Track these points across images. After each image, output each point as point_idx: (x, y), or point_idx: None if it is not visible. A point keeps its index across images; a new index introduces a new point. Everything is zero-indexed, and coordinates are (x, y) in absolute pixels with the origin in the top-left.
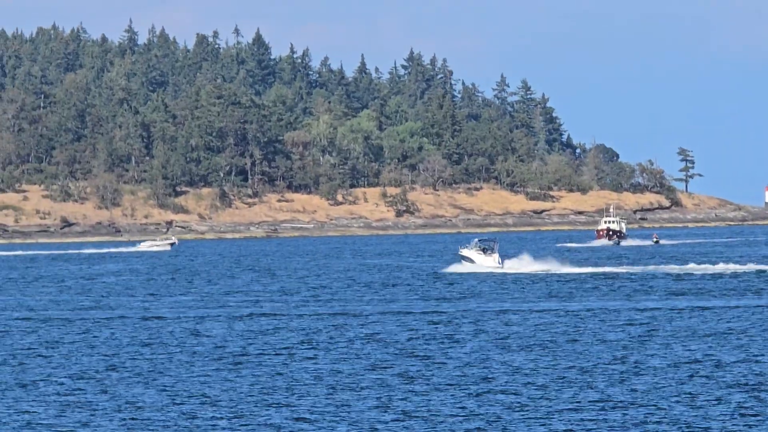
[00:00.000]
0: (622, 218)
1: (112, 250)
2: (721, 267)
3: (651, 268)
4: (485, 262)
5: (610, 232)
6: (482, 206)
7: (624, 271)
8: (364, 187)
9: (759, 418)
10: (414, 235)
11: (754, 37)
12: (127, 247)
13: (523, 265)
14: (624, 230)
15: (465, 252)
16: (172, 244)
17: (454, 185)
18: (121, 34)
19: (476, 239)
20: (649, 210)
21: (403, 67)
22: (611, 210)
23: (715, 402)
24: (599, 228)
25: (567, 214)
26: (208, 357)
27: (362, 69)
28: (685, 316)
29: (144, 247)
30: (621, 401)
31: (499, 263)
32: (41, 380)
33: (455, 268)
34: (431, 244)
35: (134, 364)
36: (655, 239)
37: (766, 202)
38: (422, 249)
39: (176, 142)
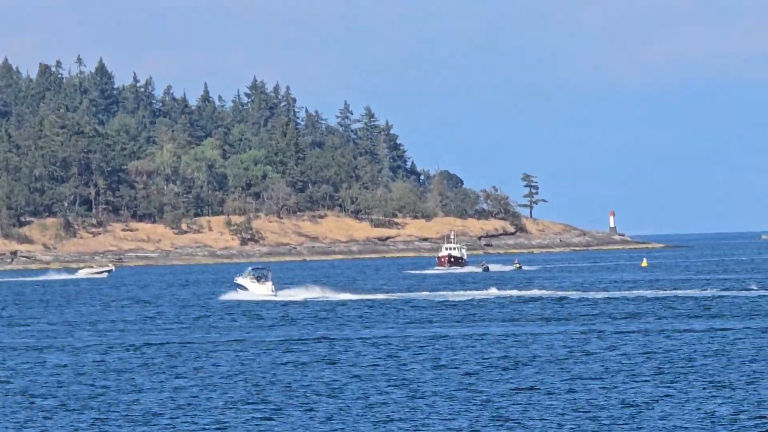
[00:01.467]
0: (462, 245)
1: (52, 277)
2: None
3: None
4: (259, 290)
5: (452, 259)
6: (327, 234)
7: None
8: (209, 215)
9: None
10: (258, 264)
11: (597, 64)
12: (65, 274)
13: (298, 293)
14: (465, 257)
15: (240, 280)
16: (108, 272)
17: (298, 213)
18: None
19: (250, 268)
20: (494, 236)
21: (247, 95)
22: (452, 237)
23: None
24: (440, 255)
25: (412, 240)
26: None
27: (205, 97)
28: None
29: (82, 274)
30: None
31: (272, 291)
32: None
33: (231, 295)
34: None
35: None
36: (516, 265)
37: (611, 227)
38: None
39: (20, 172)
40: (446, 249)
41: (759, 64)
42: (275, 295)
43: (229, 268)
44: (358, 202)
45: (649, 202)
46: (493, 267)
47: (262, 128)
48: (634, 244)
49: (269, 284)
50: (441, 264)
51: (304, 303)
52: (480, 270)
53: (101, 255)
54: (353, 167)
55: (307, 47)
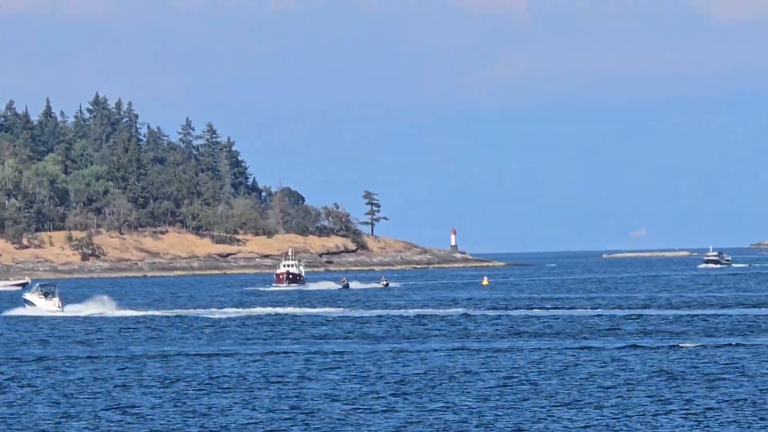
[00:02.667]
0: (301, 262)
1: None
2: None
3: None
4: (45, 306)
5: (290, 276)
6: (168, 249)
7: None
8: (50, 230)
9: None
10: (98, 279)
11: (446, 81)
12: None
13: (86, 308)
14: (303, 274)
15: (27, 296)
16: (23, 285)
17: (140, 229)
18: None
19: (38, 284)
20: (335, 253)
21: (89, 110)
22: (290, 254)
23: None
24: (278, 272)
25: (253, 257)
26: None
27: (47, 112)
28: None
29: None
30: None
31: (59, 306)
32: None
33: (19, 311)
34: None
35: None
36: (384, 282)
37: (452, 245)
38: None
39: None
40: (284, 266)
41: (600, 83)
42: (62, 311)
43: (68, 283)
44: (199, 219)
45: (491, 220)
46: (355, 284)
47: (104, 144)
48: (476, 262)
49: (56, 300)
50: (279, 281)
51: (87, 318)
52: (340, 287)
53: None
54: (195, 183)
55: (149, 64)
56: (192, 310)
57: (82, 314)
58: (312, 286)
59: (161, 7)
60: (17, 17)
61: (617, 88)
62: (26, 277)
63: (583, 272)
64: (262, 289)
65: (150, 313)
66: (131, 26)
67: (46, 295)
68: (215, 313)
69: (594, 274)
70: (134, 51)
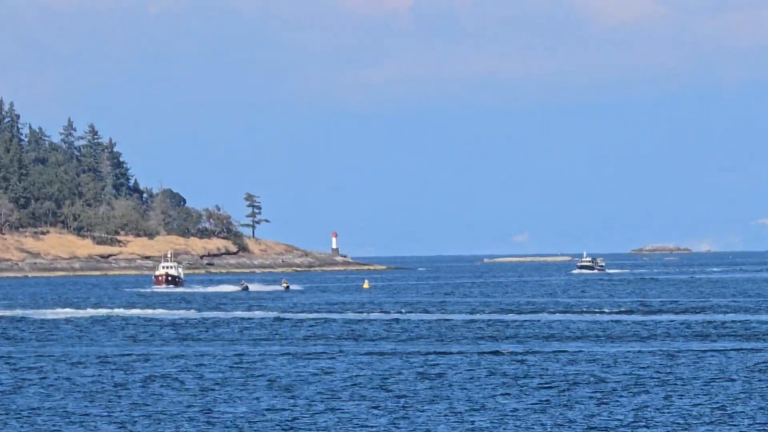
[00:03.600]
0: (180, 264)
1: None
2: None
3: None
4: None
5: (169, 277)
6: (49, 250)
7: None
8: None
9: None
10: None
11: (324, 83)
12: None
13: None
14: (182, 275)
15: None
16: None
17: (21, 229)
18: None
19: None
20: (216, 255)
21: None
22: (169, 255)
23: None
24: (158, 273)
25: (134, 258)
26: None
27: None
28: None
29: None
30: None
31: None
32: None
33: None
34: None
35: None
36: (284, 285)
37: (333, 248)
38: None
39: None
40: (164, 267)
41: (481, 88)
42: None
43: None
44: (80, 219)
45: (371, 224)
46: (257, 287)
47: None
48: (357, 265)
49: None
50: (158, 282)
51: None
52: (239, 289)
53: None
54: (76, 184)
55: (30, 63)
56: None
57: None
58: (211, 289)
59: (42, 6)
60: None
61: (498, 92)
62: None
63: (459, 276)
64: (143, 290)
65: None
66: (13, 24)
67: None
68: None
69: (468, 278)
70: (15, 50)
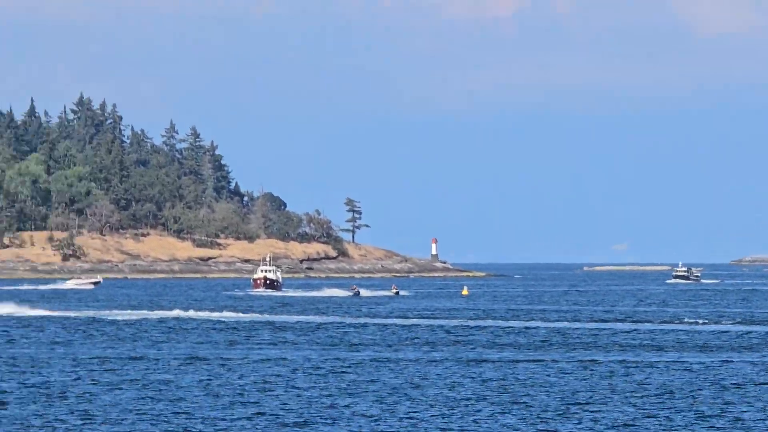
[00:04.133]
0: (279, 268)
1: (42, 287)
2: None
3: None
4: None
5: (267, 281)
6: (149, 252)
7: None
8: (32, 230)
9: None
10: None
11: (426, 90)
12: (54, 284)
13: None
14: (280, 279)
15: None
16: (95, 283)
17: (121, 230)
18: None
19: None
20: (316, 260)
21: (73, 111)
22: (268, 259)
23: None
24: (256, 277)
25: (234, 261)
26: None
27: (32, 112)
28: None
29: (70, 284)
30: None
31: None
32: None
33: None
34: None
35: None
36: (394, 290)
37: (432, 254)
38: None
39: None
40: (262, 271)
41: (584, 95)
42: None
43: (48, 283)
44: (181, 222)
45: (472, 230)
46: (367, 293)
47: (88, 145)
48: (456, 271)
49: None
50: (256, 286)
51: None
52: (350, 294)
53: None
54: (177, 186)
55: (134, 66)
56: (110, 311)
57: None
58: (325, 292)
59: (147, 9)
60: (3, 17)
61: (600, 100)
62: (98, 276)
63: (560, 284)
64: (241, 293)
65: (65, 314)
66: (116, 28)
67: None
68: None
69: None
70: (119, 53)
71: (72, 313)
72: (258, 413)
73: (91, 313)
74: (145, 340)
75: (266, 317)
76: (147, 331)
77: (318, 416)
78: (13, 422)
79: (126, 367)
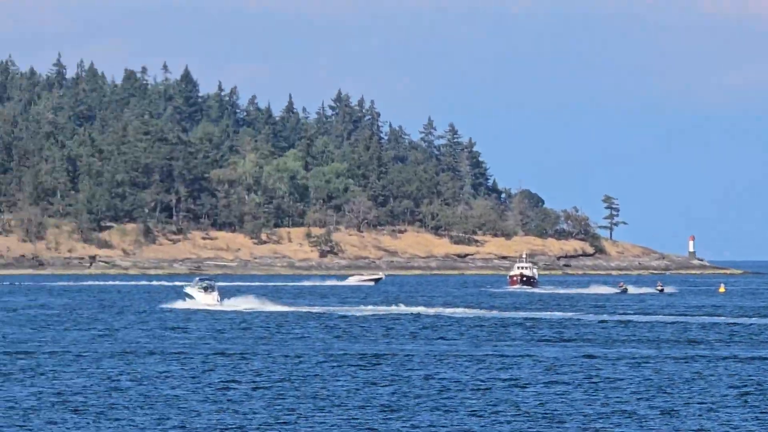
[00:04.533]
0: (535, 264)
1: (325, 283)
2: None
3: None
4: (204, 300)
5: (524, 278)
6: (406, 249)
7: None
8: (289, 226)
9: None
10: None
11: (682, 84)
12: (334, 280)
13: (241, 303)
14: (536, 276)
15: (188, 290)
16: (377, 280)
17: (378, 227)
18: (49, 68)
19: (198, 278)
20: (573, 257)
21: (331, 107)
22: (524, 256)
23: None
24: (512, 274)
25: (491, 258)
26: None
27: (290, 108)
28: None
29: (352, 281)
30: None
31: (217, 300)
32: None
33: (178, 304)
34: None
35: None
36: (659, 287)
37: (690, 252)
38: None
39: (102, 176)
40: (518, 268)
41: None
42: (220, 305)
43: (304, 279)
44: (438, 218)
45: (730, 228)
46: (633, 290)
47: (345, 141)
48: (713, 269)
49: (215, 294)
50: (513, 283)
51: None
52: (618, 291)
53: (180, 262)
54: (435, 183)
55: (392, 61)
56: (339, 307)
57: (239, 308)
58: (591, 290)
59: (404, 5)
60: (261, 15)
61: None
62: (380, 273)
63: None
64: (494, 290)
65: (299, 309)
66: (373, 24)
67: (206, 289)
68: (355, 311)
69: None
70: (376, 49)
71: (316, 309)
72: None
73: (369, 309)
74: (400, 336)
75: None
76: (394, 327)
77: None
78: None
79: (379, 364)
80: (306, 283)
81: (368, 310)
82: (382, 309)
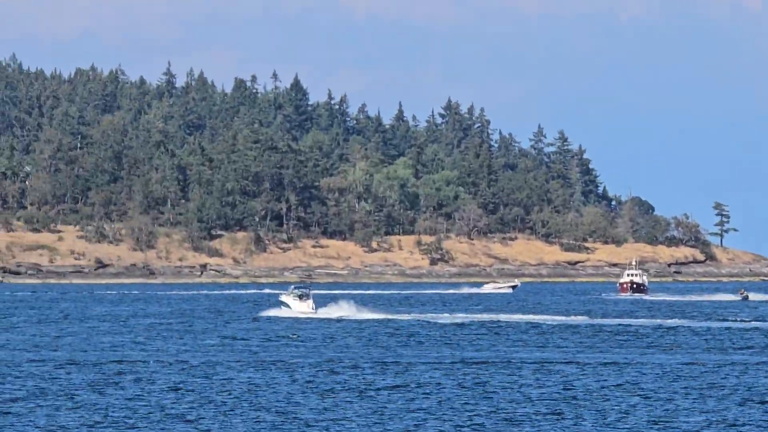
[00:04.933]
0: (646, 271)
1: (462, 291)
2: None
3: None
4: (300, 308)
5: (634, 285)
6: (517, 256)
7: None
8: (399, 234)
9: None
10: (444, 284)
11: None
12: (474, 288)
13: (335, 311)
14: (646, 283)
15: (283, 298)
16: (513, 287)
17: (489, 235)
18: (159, 77)
19: (293, 286)
20: (683, 264)
21: (441, 115)
22: (634, 263)
23: None
24: (622, 281)
25: (601, 265)
26: None
27: (399, 116)
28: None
29: (488, 288)
30: None
31: (312, 309)
32: None
33: (273, 312)
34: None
35: None
36: (742, 294)
37: None
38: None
39: (212, 185)
40: (628, 275)
41: None
42: (315, 313)
43: (416, 287)
44: (548, 226)
45: None
46: (716, 297)
47: (455, 149)
48: None
49: (310, 302)
50: (623, 290)
51: (339, 320)
52: (739, 298)
53: (290, 271)
54: (545, 191)
55: (502, 69)
56: (427, 314)
57: (332, 316)
58: (707, 297)
59: (511, 13)
60: (370, 22)
61: None
62: (516, 280)
63: None
64: (606, 297)
65: (391, 316)
66: (483, 31)
67: (300, 297)
68: (447, 318)
69: None
70: (485, 56)
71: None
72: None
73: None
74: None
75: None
76: (506, 335)
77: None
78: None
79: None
80: (431, 290)
81: (581, 319)
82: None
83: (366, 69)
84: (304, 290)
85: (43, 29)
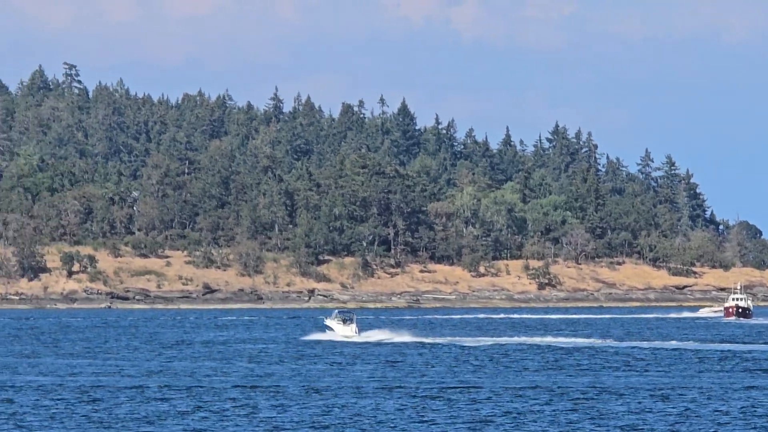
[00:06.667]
0: (751, 295)
1: (678, 315)
2: None
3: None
4: (343, 331)
5: (739, 309)
6: (624, 280)
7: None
8: (507, 259)
9: None
10: (553, 309)
11: None
12: (685, 312)
13: (376, 334)
14: (751, 308)
15: (328, 322)
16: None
17: (596, 259)
18: (266, 102)
19: (337, 311)
20: None
21: (548, 139)
22: (739, 287)
23: None
24: (727, 305)
25: (709, 290)
26: None
27: (507, 141)
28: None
29: (704, 312)
30: None
31: (355, 332)
32: None
33: (316, 335)
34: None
35: None
36: None
37: None
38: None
39: (320, 210)
40: (733, 300)
41: None
42: (358, 336)
43: (522, 312)
44: (656, 250)
45: None
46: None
47: (563, 173)
48: None
49: (353, 326)
50: (728, 315)
51: (379, 343)
52: None
53: (398, 296)
54: (653, 215)
55: (609, 93)
56: (464, 338)
57: (373, 339)
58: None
59: (616, 37)
60: (477, 47)
61: None
62: (714, 305)
63: None
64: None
65: (429, 340)
66: (589, 56)
67: (344, 321)
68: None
69: None
70: (592, 81)
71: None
72: None
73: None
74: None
75: None
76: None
77: None
78: None
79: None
80: (649, 315)
81: None
82: None
83: (473, 93)
84: (347, 314)
85: (151, 55)
